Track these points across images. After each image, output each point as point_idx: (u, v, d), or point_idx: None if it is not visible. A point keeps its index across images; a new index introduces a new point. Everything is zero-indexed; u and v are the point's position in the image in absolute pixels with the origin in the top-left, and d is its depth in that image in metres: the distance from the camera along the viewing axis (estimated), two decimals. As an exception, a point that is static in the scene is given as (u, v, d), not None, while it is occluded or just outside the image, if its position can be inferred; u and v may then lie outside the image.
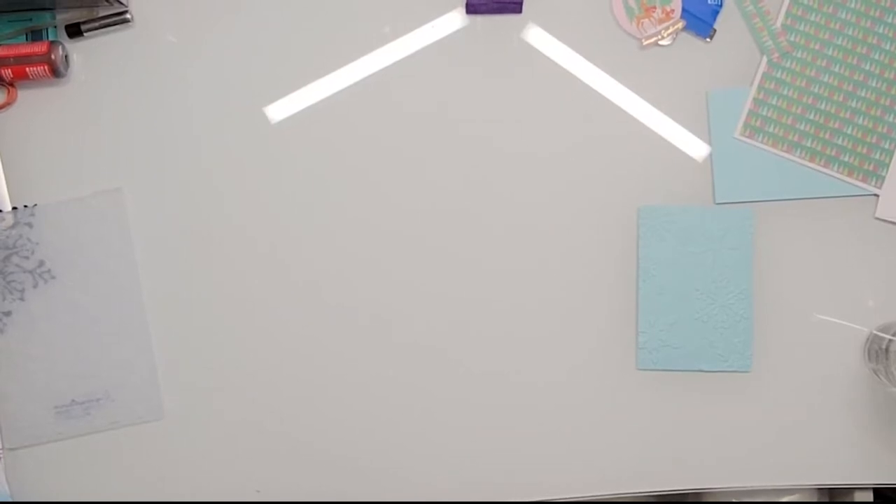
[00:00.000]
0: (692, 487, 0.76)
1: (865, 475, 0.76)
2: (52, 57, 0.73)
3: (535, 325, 0.76)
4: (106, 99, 0.77)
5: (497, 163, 0.76)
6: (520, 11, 0.76)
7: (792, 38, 0.76)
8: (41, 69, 0.73)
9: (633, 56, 0.76)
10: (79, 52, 0.77)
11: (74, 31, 0.75)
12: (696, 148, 0.76)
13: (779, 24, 0.76)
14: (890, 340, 0.72)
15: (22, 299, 0.75)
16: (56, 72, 0.74)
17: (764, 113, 0.76)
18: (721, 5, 0.76)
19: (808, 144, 0.76)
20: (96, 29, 0.75)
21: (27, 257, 0.75)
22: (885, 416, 0.76)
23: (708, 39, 0.76)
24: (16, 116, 0.76)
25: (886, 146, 0.75)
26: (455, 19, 0.77)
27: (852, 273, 0.76)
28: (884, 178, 0.75)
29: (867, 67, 0.75)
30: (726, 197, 0.76)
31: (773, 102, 0.76)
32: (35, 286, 0.75)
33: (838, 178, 0.76)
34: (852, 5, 0.75)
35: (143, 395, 0.76)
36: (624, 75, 0.76)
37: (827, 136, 0.75)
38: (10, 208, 0.76)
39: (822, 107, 0.76)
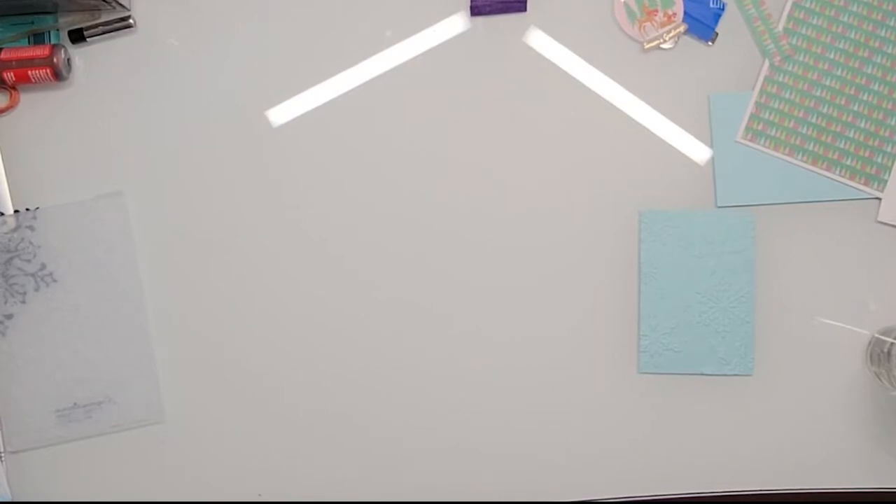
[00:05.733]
0: (693, 491, 0.76)
1: (867, 478, 0.76)
2: (55, 60, 0.73)
3: (535, 329, 0.76)
4: (108, 102, 0.77)
5: (498, 166, 0.76)
6: (524, 10, 0.76)
7: (794, 42, 0.76)
8: (43, 72, 0.73)
9: (635, 60, 0.76)
10: (81, 55, 0.77)
11: (77, 36, 0.75)
12: (698, 151, 0.76)
13: (781, 27, 0.76)
14: (892, 344, 0.72)
15: (24, 302, 0.75)
16: (58, 75, 0.74)
17: (766, 116, 0.76)
18: (723, 9, 0.76)
19: (810, 148, 0.76)
20: (99, 34, 0.76)
21: (29, 260, 0.75)
22: (886, 419, 0.76)
23: (710, 43, 0.76)
24: (18, 119, 0.77)
25: (889, 150, 0.75)
26: (456, 23, 0.77)
27: (854, 276, 0.76)
28: (886, 181, 0.75)
29: (869, 71, 0.75)
30: (728, 200, 0.76)
31: (775, 106, 0.76)
32: (37, 289, 0.76)
33: (840, 182, 0.75)
34: (854, 9, 0.75)
35: (145, 397, 0.76)
36: (626, 79, 0.76)
37: (829, 139, 0.75)
38: (12, 211, 0.76)
39: (824, 110, 0.75)
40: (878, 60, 0.75)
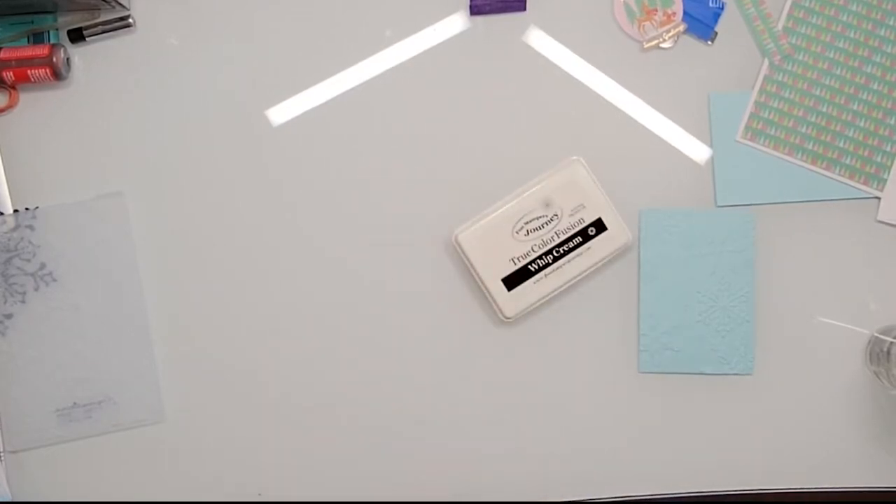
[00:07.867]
0: (693, 491, 0.76)
1: (867, 478, 0.76)
2: (54, 59, 0.73)
3: (535, 328, 0.76)
4: (107, 102, 0.77)
5: (498, 165, 0.76)
6: (524, 9, 0.76)
7: (793, 41, 0.76)
8: (43, 72, 0.73)
9: (635, 59, 0.76)
10: (80, 54, 0.77)
11: (76, 35, 0.75)
12: (698, 151, 0.76)
13: (780, 26, 0.76)
14: (891, 343, 0.72)
15: (23, 302, 0.75)
16: (58, 74, 0.74)
17: (765, 116, 0.76)
18: (722, 8, 0.76)
19: (810, 147, 0.76)
20: (99, 34, 0.76)
21: (29, 260, 0.75)
22: (886, 418, 0.76)
23: (709, 42, 0.76)
24: (17, 119, 0.77)
25: (888, 149, 0.75)
26: (456, 22, 0.77)
27: (854, 276, 0.76)
28: (885, 181, 0.75)
29: (869, 70, 0.75)
30: (728, 200, 0.76)
31: (775, 105, 0.76)
32: (36, 289, 0.75)
33: (840, 181, 0.75)
34: (854, 8, 0.75)
35: (145, 397, 0.76)
36: (625, 78, 0.76)
37: (828, 138, 0.75)
38: (11, 211, 0.76)
39: (824, 109, 0.76)
40: (878, 59, 0.75)
